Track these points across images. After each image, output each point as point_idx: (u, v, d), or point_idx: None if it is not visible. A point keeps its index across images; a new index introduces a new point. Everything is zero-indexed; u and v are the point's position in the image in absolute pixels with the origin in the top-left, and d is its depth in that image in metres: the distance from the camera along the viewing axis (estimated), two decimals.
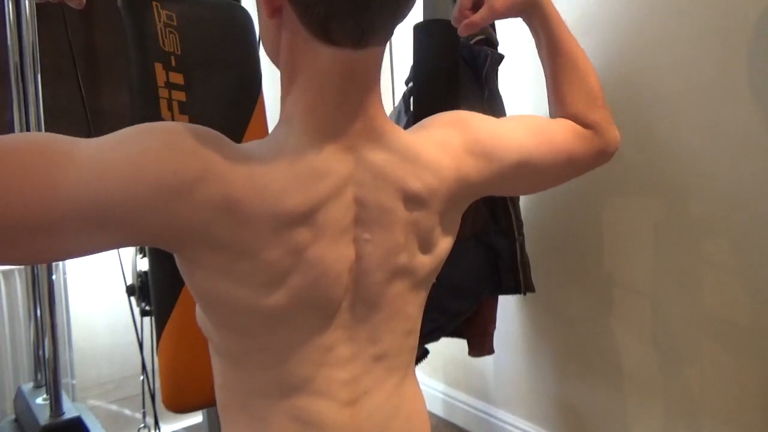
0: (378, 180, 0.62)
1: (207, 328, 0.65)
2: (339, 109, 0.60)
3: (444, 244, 0.71)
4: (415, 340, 0.73)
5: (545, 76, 0.83)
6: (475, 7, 0.78)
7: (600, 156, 0.80)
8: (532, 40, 0.83)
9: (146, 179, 0.51)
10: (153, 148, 0.52)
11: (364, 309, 0.66)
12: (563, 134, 0.77)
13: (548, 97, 0.83)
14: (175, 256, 0.60)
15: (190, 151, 0.53)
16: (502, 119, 0.77)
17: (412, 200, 0.64)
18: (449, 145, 0.68)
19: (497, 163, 0.70)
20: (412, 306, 0.70)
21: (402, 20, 0.59)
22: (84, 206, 0.49)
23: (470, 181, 0.69)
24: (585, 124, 0.78)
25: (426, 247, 0.68)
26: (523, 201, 1.70)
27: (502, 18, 0.80)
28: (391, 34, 0.60)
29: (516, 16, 0.80)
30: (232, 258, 0.57)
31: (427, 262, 0.69)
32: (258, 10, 0.64)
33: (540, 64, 0.84)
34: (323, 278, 0.61)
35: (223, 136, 0.59)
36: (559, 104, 0.81)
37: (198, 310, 0.65)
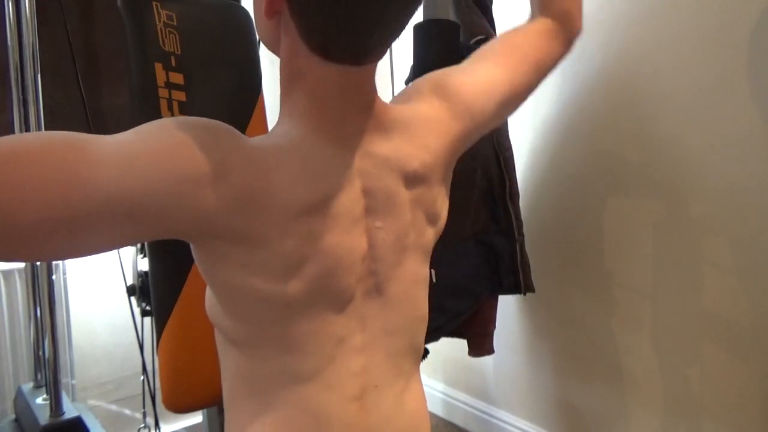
0: (381, 169, 0.64)
1: (218, 318, 0.65)
2: (339, 112, 0.62)
3: (444, 210, 0.74)
4: (422, 334, 0.74)
5: None
6: None
7: (564, 51, 0.81)
8: None
9: (171, 172, 0.52)
10: (176, 143, 0.53)
11: (378, 298, 0.67)
12: (530, 43, 0.78)
13: None
14: (192, 247, 0.61)
15: (211, 145, 0.55)
16: (474, 62, 0.78)
17: (412, 179, 0.67)
18: (437, 118, 0.70)
19: (483, 116, 0.73)
20: (422, 290, 0.72)
21: (399, 36, 0.62)
22: (112, 201, 0.49)
23: (461, 142, 0.73)
24: (557, 12, 0.79)
25: (433, 219, 0.71)
26: (523, 201, 1.69)
27: None
28: (388, 49, 0.63)
29: None
30: (250, 248, 0.58)
31: (433, 233, 0.72)
32: (254, 7, 0.65)
33: None
34: (337, 267, 0.62)
35: (236, 130, 0.60)
36: None
37: (208, 299, 0.65)
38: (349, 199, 0.62)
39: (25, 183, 0.46)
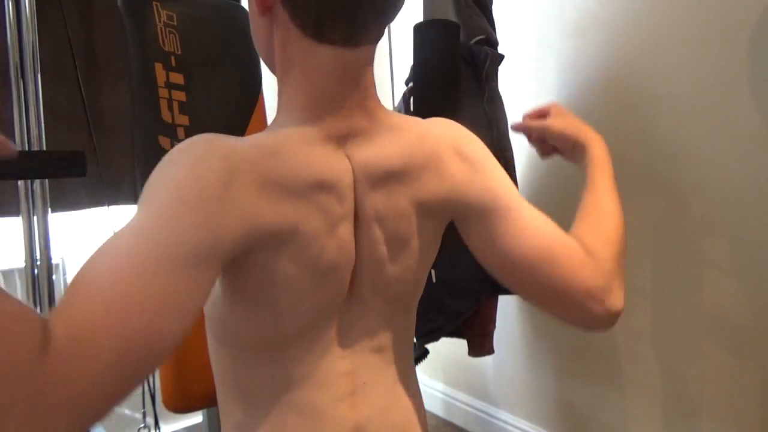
0: (370, 174, 0.63)
1: (214, 321, 0.65)
2: (333, 104, 0.62)
3: (425, 251, 0.70)
4: (411, 333, 0.74)
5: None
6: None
7: (589, 299, 0.65)
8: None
9: (193, 203, 0.50)
10: (181, 173, 0.52)
11: (360, 303, 0.67)
12: (556, 237, 0.69)
13: None
14: (223, 275, 0.59)
15: (212, 155, 0.54)
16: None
17: (386, 178, 0.64)
18: (433, 135, 0.69)
19: (482, 178, 0.69)
20: (407, 296, 0.71)
21: (393, 19, 0.61)
22: (175, 263, 0.47)
23: (451, 180, 0.68)
24: (586, 247, 0.69)
25: (412, 241, 0.67)
26: None
27: (553, 138, 0.83)
28: (383, 32, 0.62)
29: (567, 151, 0.83)
30: (281, 241, 0.57)
31: (417, 255, 0.69)
32: (249, 8, 0.65)
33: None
34: (334, 266, 0.62)
35: (223, 135, 0.60)
36: (575, 226, 0.75)
37: (213, 305, 0.65)
38: (341, 199, 0.62)
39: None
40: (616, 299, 0.66)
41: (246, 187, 0.54)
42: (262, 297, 0.60)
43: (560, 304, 0.66)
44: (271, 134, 0.60)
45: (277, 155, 0.57)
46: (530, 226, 0.67)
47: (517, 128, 0.87)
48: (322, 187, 0.59)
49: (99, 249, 0.46)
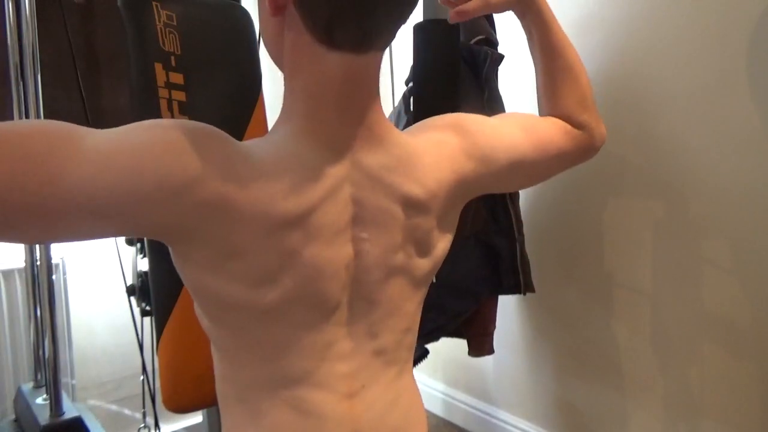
0: (375, 182, 0.63)
1: (203, 322, 0.65)
2: (338, 112, 0.61)
3: (442, 245, 0.72)
4: (413, 337, 0.74)
5: (536, 73, 0.84)
6: None
7: (587, 152, 0.84)
8: None
9: (148, 175, 0.52)
10: (157, 145, 0.53)
11: (363, 306, 0.67)
12: (554, 132, 0.79)
13: (537, 93, 0.85)
14: (169, 249, 0.61)
15: (193, 150, 0.54)
16: (498, 118, 0.78)
17: (411, 205, 0.65)
18: (447, 148, 0.69)
19: (495, 165, 0.72)
20: (410, 303, 0.71)
21: (403, 24, 0.60)
22: (85, 197, 0.50)
23: (467, 182, 0.71)
24: (575, 124, 0.81)
25: (424, 250, 0.69)
26: (523, 201, 1.70)
27: (494, 11, 0.80)
28: (393, 38, 0.61)
29: (508, 9, 0.81)
30: (223, 256, 0.57)
31: (425, 264, 0.70)
32: (259, 8, 0.64)
33: None
34: (317, 278, 0.61)
35: (226, 134, 0.59)
36: (549, 103, 0.83)
37: (195, 303, 0.65)
38: (335, 209, 0.61)
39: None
40: (602, 137, 0.85)
41: (216, 190, 0.55)
42: (243, 294, 0.60)
43: (569, 165, 0.84)
44: (270, 147, 0.60)
45: (265, 179, 0.57)
46: (537, 152, 0.77)
47: (460, 18, 0.79)
48: (309, 209, 0.59)
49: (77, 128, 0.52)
